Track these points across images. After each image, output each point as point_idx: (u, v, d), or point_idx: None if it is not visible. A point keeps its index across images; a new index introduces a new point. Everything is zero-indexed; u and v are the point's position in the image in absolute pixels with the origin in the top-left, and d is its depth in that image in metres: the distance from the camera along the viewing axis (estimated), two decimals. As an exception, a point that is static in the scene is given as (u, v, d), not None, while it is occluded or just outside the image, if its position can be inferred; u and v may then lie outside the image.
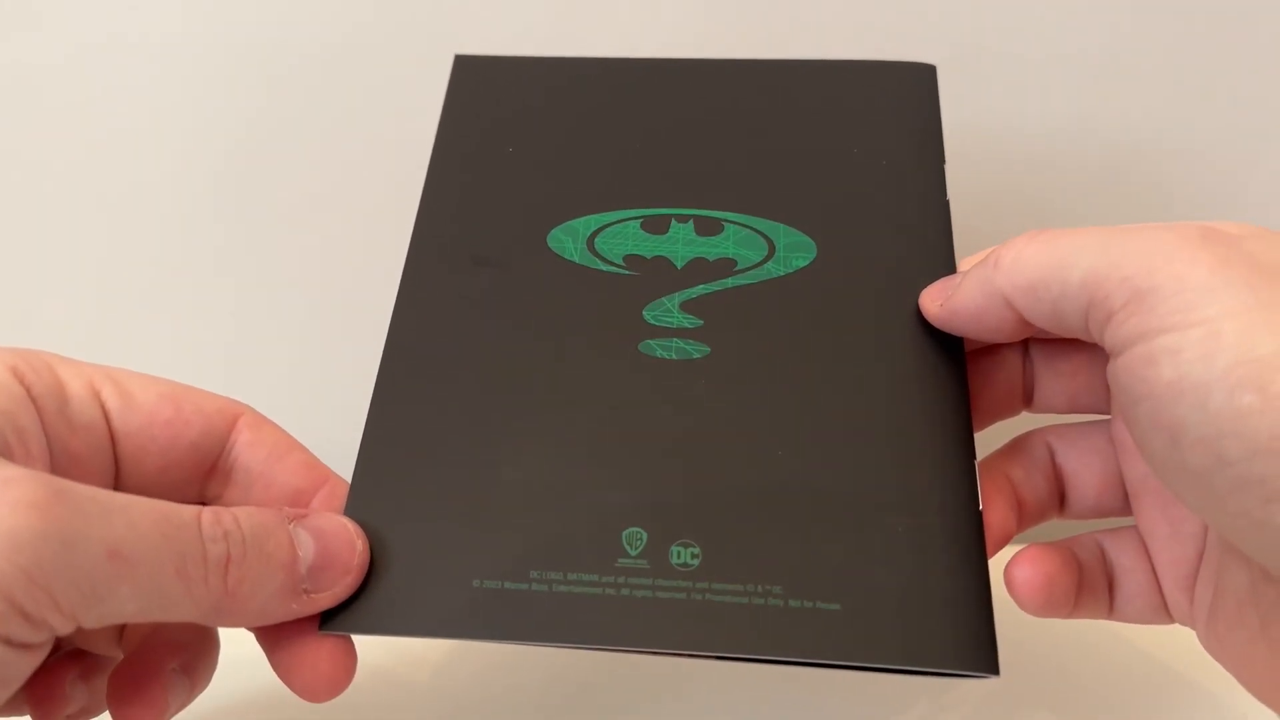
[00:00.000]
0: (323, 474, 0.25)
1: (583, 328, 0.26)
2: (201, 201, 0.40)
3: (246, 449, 0.25)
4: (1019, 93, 0.39)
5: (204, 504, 0.22)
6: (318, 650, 0.23)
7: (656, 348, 0.25)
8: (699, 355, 0.25)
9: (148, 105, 0.39)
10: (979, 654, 0.21)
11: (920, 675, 0.22)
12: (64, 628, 0.18)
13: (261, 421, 0.25)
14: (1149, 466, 0.21)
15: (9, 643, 0.18)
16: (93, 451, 0.23)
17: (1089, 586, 0.25)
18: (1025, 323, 0.23)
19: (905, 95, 0.29)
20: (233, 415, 0.25)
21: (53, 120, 0.39)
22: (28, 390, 0.22)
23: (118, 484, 0.24)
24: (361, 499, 0.24)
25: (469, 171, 0.28)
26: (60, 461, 0.22)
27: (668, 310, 0.26)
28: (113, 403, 0.23)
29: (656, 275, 0.26)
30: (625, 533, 0.23)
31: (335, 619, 0.22)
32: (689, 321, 0.26)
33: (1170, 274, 0.19)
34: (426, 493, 0.24)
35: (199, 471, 0.24)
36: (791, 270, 0.26)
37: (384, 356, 0.26)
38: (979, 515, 0.23)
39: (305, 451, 0.25)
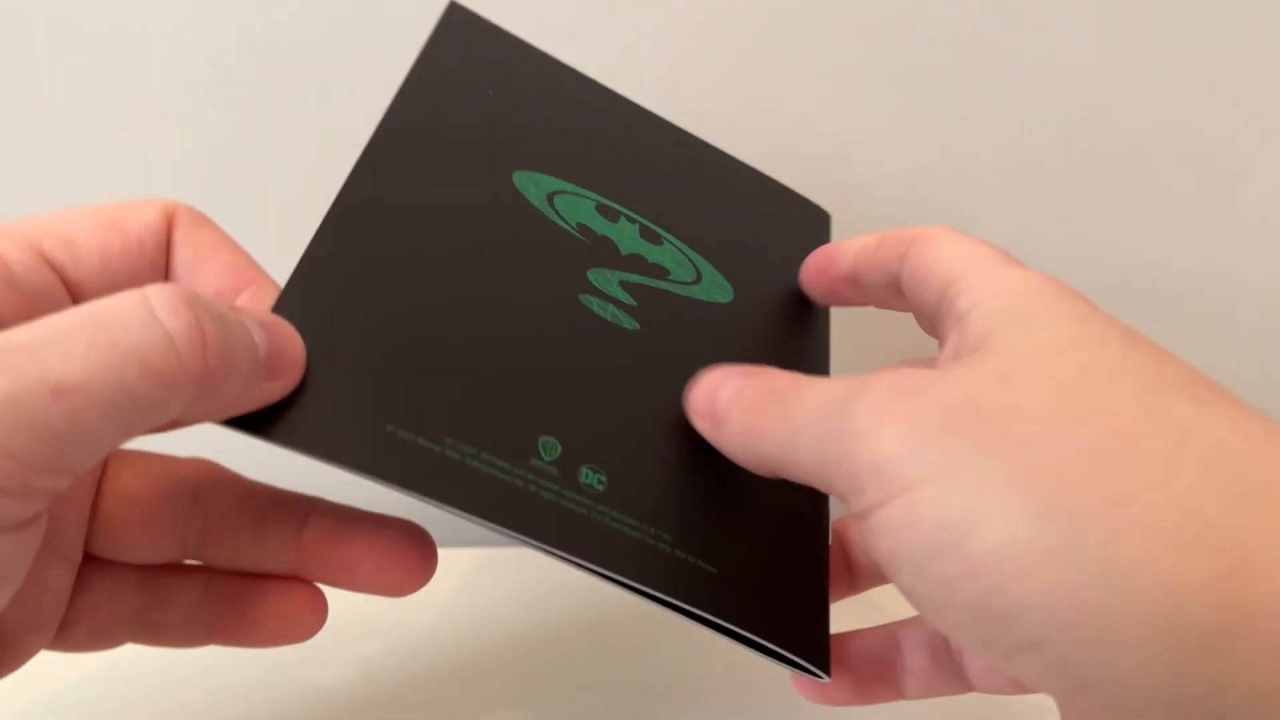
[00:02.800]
0: (249, 276, 0.23)
1: (533, 256, 0.26)
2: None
3: (178, 250, 0.23)
4: (1019, 92, 0.39)
5: None
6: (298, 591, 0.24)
7: (594, 304, 0.27)
8: (629, 328, 0.27)
9: (146, 101, 0.39)
10: (819, 652, 0.24)
11: (767, 656, 0.24)
12: (51, 484, 0.17)
13: (194, 220, 0.23)
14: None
15: (4, 528, 0.17)
16: (49, 312, 0.21)
17: (873, 677, 0.26)
18: None
19: (805, 230, 0.33)
20: (169, 216, 0.23)
21: (51, 115, 0.39)
22: None
23: None
24: (293, 304, 0.22)
25: (447, 92, 0.28)
26: None
27: (608, 280, 0.27)
28: (59, 255, 0.22)
29: (602, 250, 0.28)
30: (542, 439, 0.23)
31: (273, 427, 0.21)
32: (625, 298, 0.27)
33: (866, 456, 0.19)
34: (358, 322, 0.23)
35: (146, 277, 0.23)
36: (713, 300, 0.29)
37: (347, 183, 0.25)
38: (828, 545, 0.27)
39: (237, 252, 0.24)
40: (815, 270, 0.29)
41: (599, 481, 0.23)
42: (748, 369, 0.24)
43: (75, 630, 0.24)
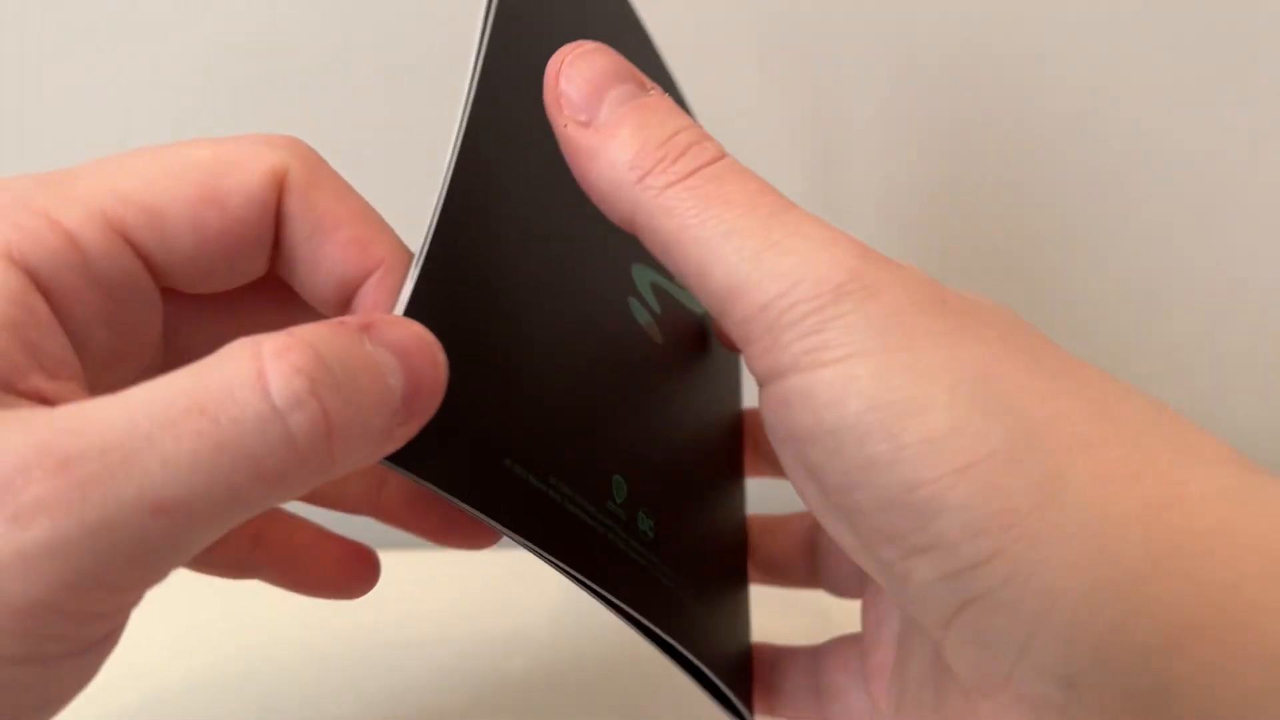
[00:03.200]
0: (376, 251, 0.19)
1: (594, 246, 0.23)
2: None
3: (289, 222, 0.19)
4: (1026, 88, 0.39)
5: (263, 274, 0.18)
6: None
7: (637, 310, 0.25)
8: (658, 342, 0.25)
9: (145, 97, 0.39)
10: (748, 699, 0.24)
11: (698, 682, 0.22)
12: (139, 597, 0.15)
13: (310, 182, 0.19)
14: (807, 506, 0.19)
15: (83, 648, 0.15)
16: (137, 311, 0.18)
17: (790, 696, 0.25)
18: None
19: None
20: (278, 178, 0.19)
21: (49, 109, 0.39)
22: (31, 275, 0.16)
23: (165, 328, 0.19)
24: (425, 312, 0.17)
25: (527, 61, 0.23)
26: (98, 353, 0.17)
27: (644, 280, 0.25)
28: (145, 238, 0.17)
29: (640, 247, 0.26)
30: (615, 478, 0.21)
31: (411, 455, 0.17)
32: (654, 303, 0.26)
33: (807, 308, 0.16)
34: (474, 337, 0.19)
35: (250, 259, 0.19)
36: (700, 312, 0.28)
37: (455, 171, 0.19)
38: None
39: (359, 217, 0.19)
40: None
41: (650, 529, 0.22)
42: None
43: None
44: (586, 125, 0.19)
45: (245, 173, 0.18)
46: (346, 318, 0.16)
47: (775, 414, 0.17)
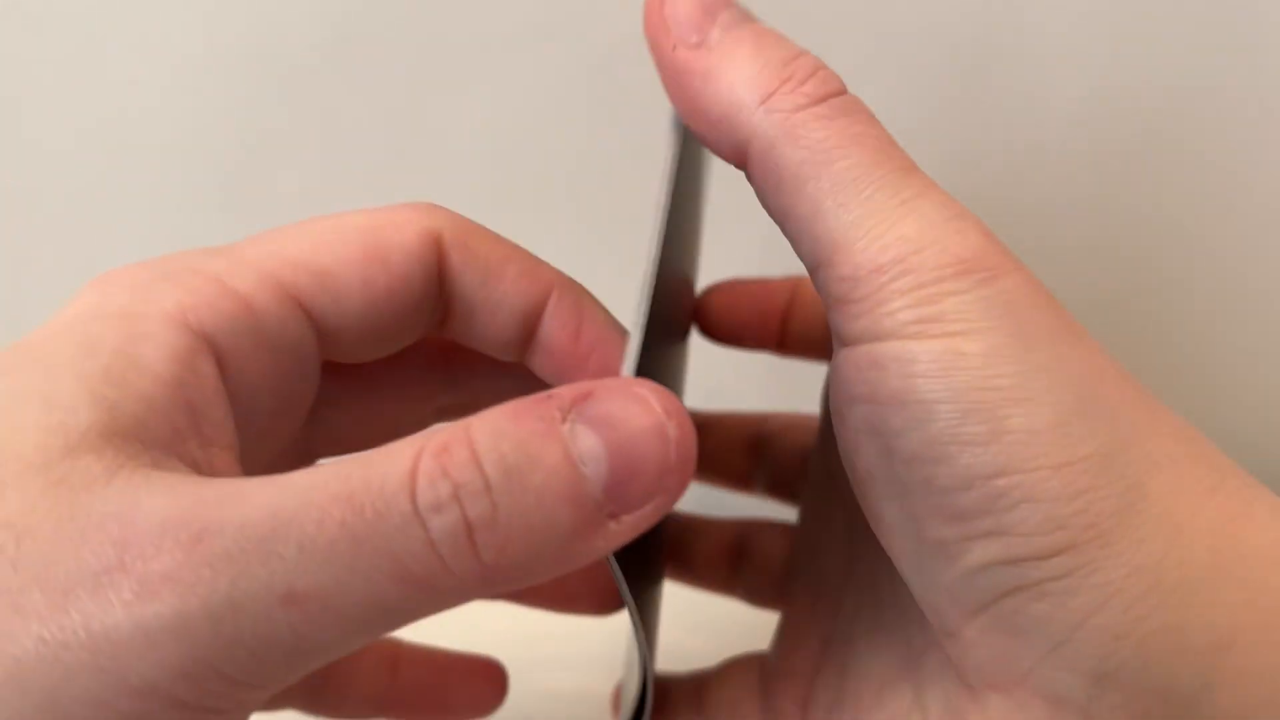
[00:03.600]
0: (545, 281, 0.19)
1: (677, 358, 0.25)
2: (209, 194, 0.40)
3: (459, 275, 0.19)
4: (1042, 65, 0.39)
5: (418, 338, 0.18)
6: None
7: None
8: None
9: (145, 97, 0.39)
10: None
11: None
12: (266, 696, 0.14)
13: (466, 232, 0.19)
14: (850, 475, 0.18)
15: None
16: (299, 381, 0.18)
17: None
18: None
19: None
20: (433, 236, 0.18)
21: (49, 114, 0.39)
22: (205, 338, 0.16)
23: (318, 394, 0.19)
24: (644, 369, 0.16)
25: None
26: (257, 422, 0.17)
27: None
28: (318, 300, 0.17)
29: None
30: None
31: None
32: None
33: (925, 278, 0.16)
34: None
35: (413, 319, 0.19)
36: None
37: (659, 273, 0.18)
38: None
39: (521, 254, 0.19)
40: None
41: None
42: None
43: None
44: (698, 47, 0.18)
45: (402, 233, 0.18)
46: (556, 391, 0.15)
47: (861, 373, 0.17)
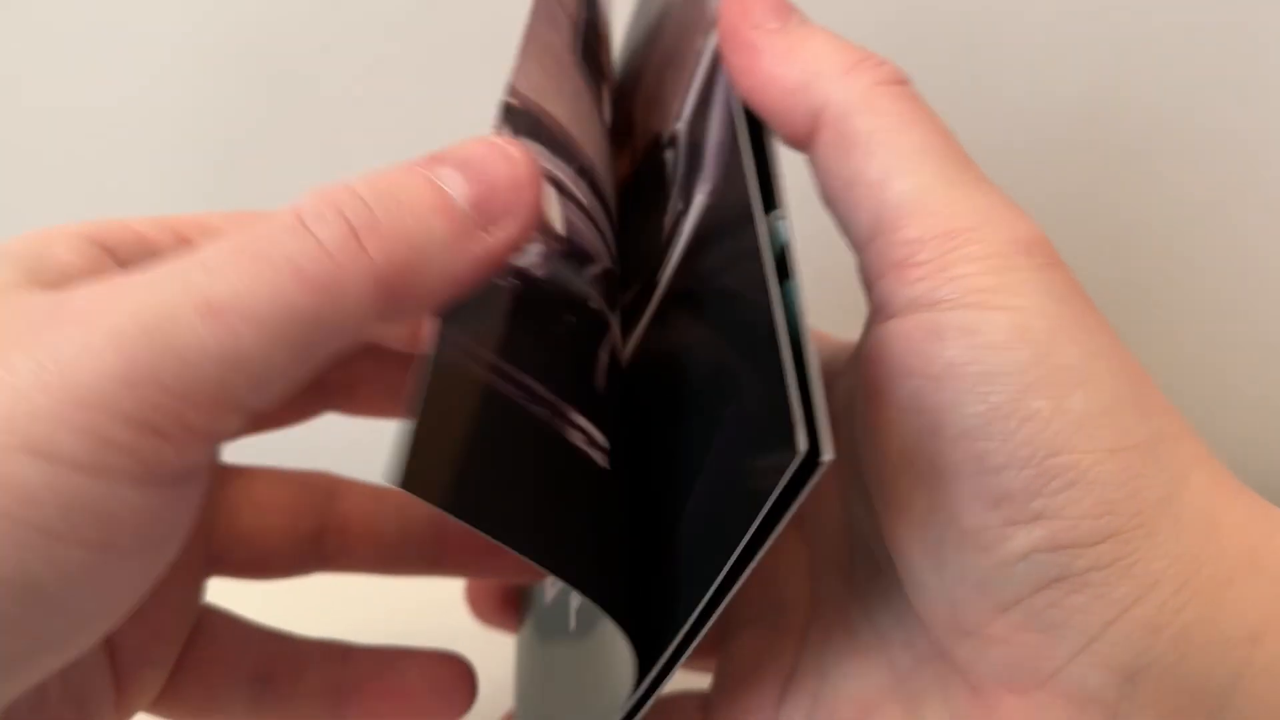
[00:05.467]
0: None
1: None
2: (199, 187, 0.40)
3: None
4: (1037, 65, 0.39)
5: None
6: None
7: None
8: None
9: (143, 94, 0.39)
10: None
11: None
12: (213, 424, 0.15)
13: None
14: (877, 465, 0.18)
15: (148, 476, 0.15)
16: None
17: None
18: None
19: None
20: None
21: (43, 112, 0.39)
22: None
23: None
24: None
25: None
26: None
27: None
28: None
29: None
30: None
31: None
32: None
33: (992, 249, 0.16)
34: None
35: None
36: None
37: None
38: None
39: None
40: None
41: None
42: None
43: (183, 683, 0.22)
44: (778, 31, 0.19)
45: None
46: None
47: (913, 344, 0.17)
